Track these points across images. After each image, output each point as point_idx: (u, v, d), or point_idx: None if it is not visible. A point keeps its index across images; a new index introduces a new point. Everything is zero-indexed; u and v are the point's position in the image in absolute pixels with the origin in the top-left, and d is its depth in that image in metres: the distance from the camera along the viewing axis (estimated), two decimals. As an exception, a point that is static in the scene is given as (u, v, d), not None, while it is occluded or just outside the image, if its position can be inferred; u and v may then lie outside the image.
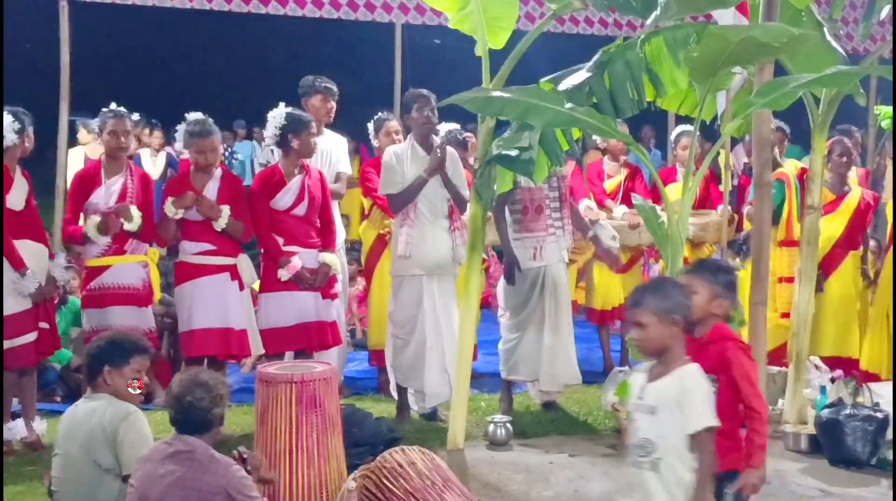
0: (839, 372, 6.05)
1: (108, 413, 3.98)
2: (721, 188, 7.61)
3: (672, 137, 8.30)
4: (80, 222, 6.15)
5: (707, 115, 5.59)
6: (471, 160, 6.55)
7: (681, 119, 7.38)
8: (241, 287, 6.09)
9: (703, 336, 3.74)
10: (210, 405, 3.69)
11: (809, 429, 5.85)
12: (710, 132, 6.64)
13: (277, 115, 6.08)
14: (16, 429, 5.71)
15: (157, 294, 7.22)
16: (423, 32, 9.42)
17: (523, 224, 6.26)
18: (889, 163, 7.52)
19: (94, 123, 6.56)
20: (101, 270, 6.10)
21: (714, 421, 3.33)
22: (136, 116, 7.07)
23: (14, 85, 6.66)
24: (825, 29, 5.89)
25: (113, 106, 6.22)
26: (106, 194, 6.12)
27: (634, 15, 5.60)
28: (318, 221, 6.21)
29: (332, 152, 6.80)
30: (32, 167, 5.97)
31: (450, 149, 6.29)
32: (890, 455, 5.47)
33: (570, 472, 5.44)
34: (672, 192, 6.68)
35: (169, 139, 9.59)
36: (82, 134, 9.30)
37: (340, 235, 6.66)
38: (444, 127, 6.88)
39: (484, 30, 5.50)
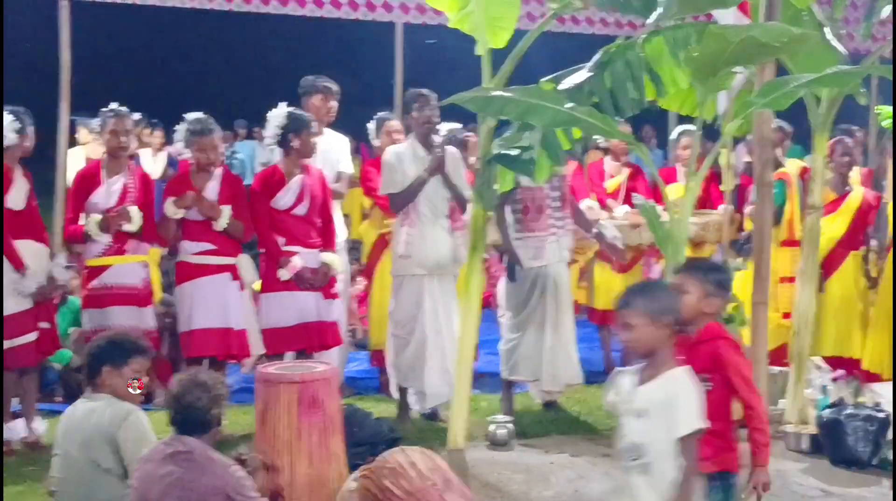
0: (840, 372, 6.05)
1: (108, 413, 3.98)
2: (722, 188, 7.60)
3: (673, 136, 8.29)
4: (81, 222, 6.14)
5: (708, 114, 5.58)
6: (471, 160, 6.55)
7: (682, 119, 7.37)
8: (242, 287, 6.09)
9: (696, 335, 3.73)
10: (209, 405, 3.68)
11: (811, 429, 5.85)
12: (711, 132, 6.62)
13: (278, 114, 6.07)
14: (16, 429, 5.71)
15: (158, 294, 7.22)
16: (423, 32, 9.40)
17: (524, 224, 6.25)
18: (890, 163, 7.51)
19: (95, 122, 6.56)
20: (101, 269, 6.10)
21: (703, 423, 3.31)
22: (136, 116, 7.07)
23: (14, 85, 6.65)
24: (826, 29, 5.88)
25: (113, 106, 6.22)
26: (107, 194, 6.12)
27: (635, 15, 5.60)
28: (319, 220, 6.21)
29: (332, 152, 6.80)
30: (32, 167, 5.96)
31: (451, 149, 6.29)
32: (891, 455, 5.46)
33: (570, 472, 5.43)
34: (673, 191, 6.67)
35: (169, 139, 9.59)
36: (82, 134, 9.28)
37: (341, 235, 6.66)
38: (445, 127, 6.87)
39: (484, 29, 5.48)
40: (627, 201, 7.56)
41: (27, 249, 5.64)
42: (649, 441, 3.32)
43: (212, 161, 6.03)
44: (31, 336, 5.67)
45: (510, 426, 5.95)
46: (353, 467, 4.49)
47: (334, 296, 6.23)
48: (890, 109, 7.30)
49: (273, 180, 6.09)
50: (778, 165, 6.90)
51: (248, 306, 6.20)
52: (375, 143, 7.26)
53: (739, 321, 5.34)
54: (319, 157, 6.53)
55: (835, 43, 5.86)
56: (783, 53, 5.35)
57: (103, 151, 6.34)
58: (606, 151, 8.15)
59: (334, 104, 6.80)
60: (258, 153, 14.75)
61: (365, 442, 5.19)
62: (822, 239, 6.36)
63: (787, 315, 6.69)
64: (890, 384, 5.94)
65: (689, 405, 3.30)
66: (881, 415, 5.59)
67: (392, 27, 9.20)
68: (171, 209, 5.93)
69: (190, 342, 6.00)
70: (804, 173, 6.93)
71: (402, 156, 6.19)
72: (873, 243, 7.30)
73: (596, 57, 5.30)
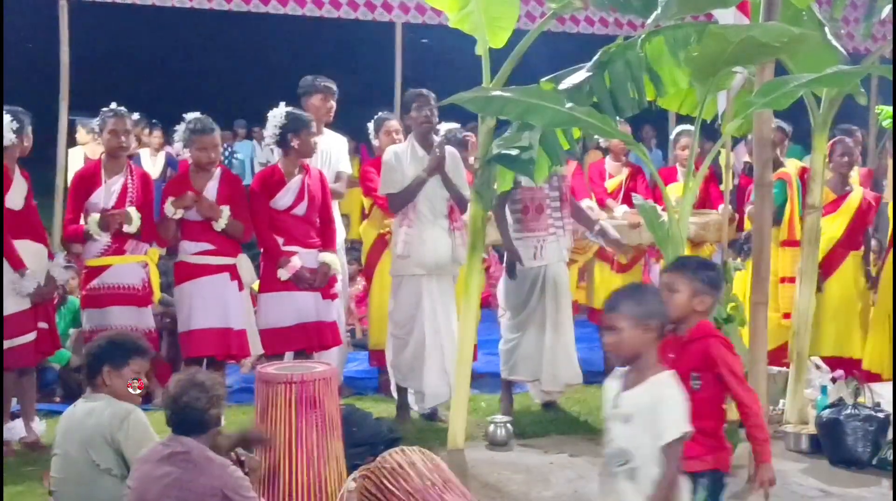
0: (840, 372, 6.05)
1: (107, 413, 3.98)
2: (721, 188, 7.60)
3: (672, 136, 8.29)
4: (81, 222, 6.14)
5: (708, 114, 5.58)
6: (470, 160, 6.55)
7: (681, 119, 7.38)
8: (241, 287, 6.08)
9: (686, 334, 3.71)
10: (206, 405, 3.67)
11: (810, 429, 5.85)
12: (710, 132, 6.62)
13: (277, 114, 6.07)
14: (15, 429, 5.71)
15: (157, 294, 7.22)
16: (423, 32, 9.41)
17: (524, 224, 6.25)
18: (890, 163, 7.52)
19: (94, 122, 6.56)
20: (100, 269, 6.10)
21: (688, 427, 3.27)
22: (136, 116, 7.07)
23: (14, 85, 6.65)
24: (826, 28, 5.88)
25: (113, 106, 6.22)
26: (106, 194, 6.12)
27: (635, 14, 5.60)
28: (318, 220, 6.20)
29: (332, 152, 6.80)
30: (32, 167, 5.96)
31: (451, 149, 6.29)
32: (890, 456, 5.46)
33: (570, 472, 5.43)
34: (673, 191, 6.67)
35: (168, 139, 9.59)
36: (81, 134, 9.29)
37: (340, 234, 6.66)
38: (445, 127, 6.87)
39: (484, 29, 5.49)
40: (627, 200, 7.56)
41: (26, 249, 5.63)
42: (635, 446, 3.27)
43: (212, 160, 6.03)
44: (30, 336, 5.66)
45: (509, 426, 5.95)
46: (352, 467, 4.49)
47: (333, 296, 6.23)
48: (890, 108, 7.31)
49: (272, 180, 6.09)
50: (778, 165, 6.90)
51: (247, 306, 6.19)
52: (375, 143, 7.26)
53: (739, 321, 5.33)
54: (318, 157, 6.53)
55: (835, 43, 5.86)
56: (783, 53, 5.35)
57: (103, 152, 6.33)
58: (607, 150, 8.14)
59: (333, 104, 6.80)
60: (257, 153, 14.78)
61: (364, 442, 5.19)
62: (821, 239, 6.36)
63: (787, 316, 6.69)
64: (890, 384, 5.94)
65: (674, 411, 3.26)
66: (880, 415, 5.59)
67: (392, 27, 9.20)
68: (171, 209, 5.92)
69: (189, 342, 6.00)
70: (804, 173, 6.93)
71: (401, 156, 6.19)
72: (873, 243, 7.32)
73: (596, 57, 5.30)
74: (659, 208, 5.62)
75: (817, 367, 6.24)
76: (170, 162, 10.27)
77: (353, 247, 8.68)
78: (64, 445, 4.06)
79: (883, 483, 5.30)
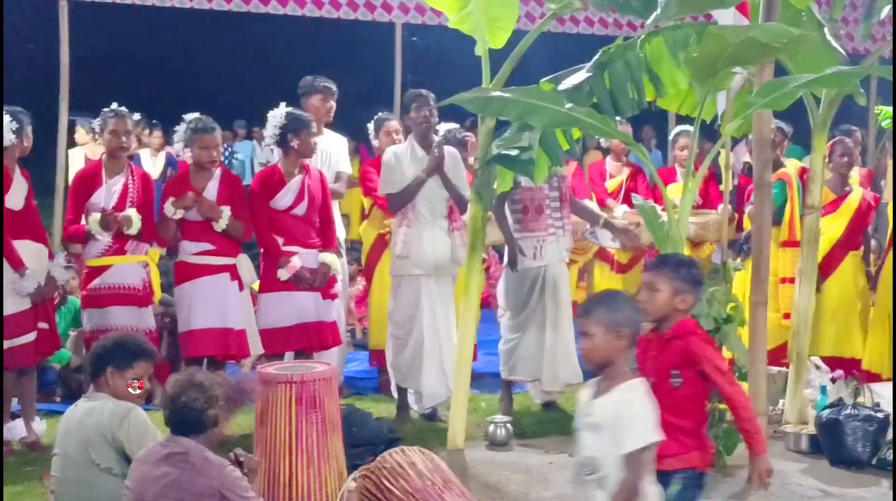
0: (840, 372, 6.05)
1: (107, 413, 3.98)
2: (721, 188, 7.60)
3: (671, 137, 8.30)
4: (82, 223, 6.15)
5: (707, 115, 5.59)
6: (470, 160, 6.56)
7: (681, 119, 7.38)
8: (241, 287, 6.09)
9: (668, 332, 3.70)
10: (205, 406, 3.66)
11: (810, 429, 5.85)
12: (710, 132, 6.63)
13: (277, 114, 6.07)
14: (15, 430, 5.71)
15: (158, 294, 7.22)
16: (421, 32, 9.42)
17: (524, 224, 6.25)
18: (889, 163, 7.52)
19: (94, 123, 6.56)
20: (101, 270, 6.10)
21: (654, 438, 3.25)
22: (136, 116, 7.07)
23: (14, 85, 6.65)
24: (825, 29, 5.88)
25: (114, 106, 6.22)
26: (107, 194, 6.12)
27: (634, 15, 5.60)
28: (318, 221, 6.21)
29: (331, 152, 6.80)
30: (32, 167, 5.96)
31: (451, 149, 6.29)
32: (890, 456, 5.46)
33: (570, 472, 5.42)
34: (672, 192, 6.68)
35: (168, 140, 9.59)
36: (80, 134, 9.30)
37: (340, 235, 6.66)
38: (444, 127, 6.88)
39: (484, 30, 5.49)
40: (627, 201, 7.56)
41: (26, 249, 5.63)
42: (603, 455, 3.26)
43: (213, 159, 6.03)
44: (30, 336, 5.67)
45: (509, 426, 5.95)
46: (352, 467, 4.49)
47: (333, 296, 6.23)
48: (889, 109, 7.31)
49: (272, 181, 6.09)
50: (778, 165, 6.90)
51: (247, 306, 6.20)
52: (375, 143, 7.26)
53: (739, 321, 5.34)
54: (318, 157, 6.53)
55: (834, 43, 5.86)
56: (782, 54, 5.36)
57: (103, 152, 6.34)
58: (607, 151, 8.15)
59: (333, 104, 6.80)
60: (257, 153, 14.77)
61: (364, 442, 5.19)
62: (821, 239, 6.36)
63: (787, 316, 6.69)
64: (890, 384, 5.94)
65: (640, 419, 3.24)
66: (880, 415, 5.59)
67: (392, 27, 9.21)
68: (171, 210, 5.92)
69: (189, 343, 6.00)
70: (804, 174, 6.93)
71: (400, 156, 6.20)
72: (873, 243, 7.32)
73: (595, 57, 5.31)
74: (659, 208, 5.63)
75: (817, 367, 6.24)
76: (170, 162, 10.27)
77: (353, 247, 8.68)
78: (64, 445, 4.06)
79: (882, 483, 5.30)
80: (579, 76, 5.27)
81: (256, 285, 6.31)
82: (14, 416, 5.84)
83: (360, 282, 8.33)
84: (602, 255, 7.61)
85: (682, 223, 5.05)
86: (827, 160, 6.54)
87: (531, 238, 6.23)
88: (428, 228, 6.12)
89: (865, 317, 6.97)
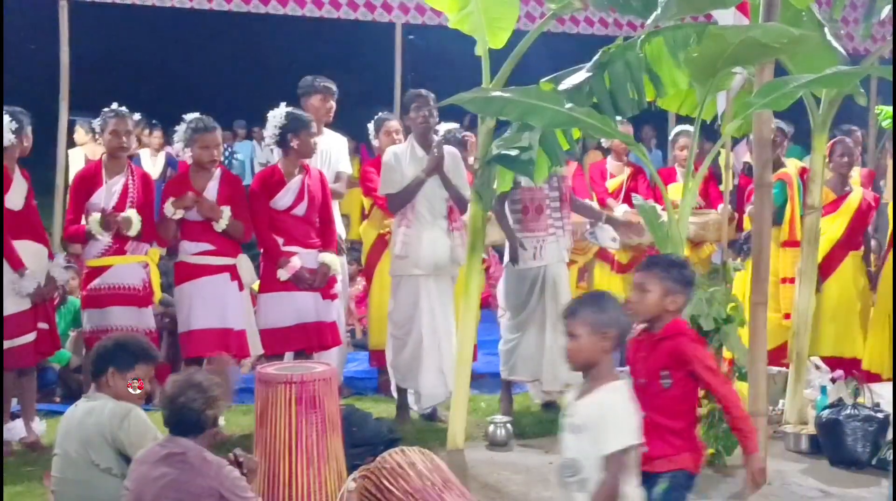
0: (840, 372, 6.05)
1: (107, 413, 3.98)
2: (721, 188, 7.60)
3: (671, 137, 8.30)
4: (82, 223, 6.14)
5: (707, 115, 5.59)
6: (470, 160, 6.56)
7: (681, 119, 7.38)
8: (241, 287, 6.08)
9: (658, 333, 3.70)
10: (203, 406, 3.65)
11: (810, 429, 5.85)
12: (710, 132, 6.63)
13: (277, 114, 6.07)
14: (15, 430, 5.71)
15: (158, 294, 7.22)
16: (421, 32, 9.42)
17: (524, 224, 6.25)
18: (889, 163, 7.52)
19: (94, 123, 6.56)
20: (101, 270, 6.10)
21: (633, 441, 3.23)
22: (136, 116, 7.07)
23: (14, 85, 6.65)
24: (825, 29, 5.88)
25: (114, 106, 6.22)
26: (107, 195, 6.12)
27: (634, 15, 5.60)
28: (318, 221, 6.20)
29: (331, 152, 6.80)
30: (32, 167, 5.96)
31: (452, 149, 6.29)
32: (890, 456, 5.46)
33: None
34: (673, 192, 6.68)
35: (168, 140, 9.60)
36: (79, 134, 9.30)
37: (340, 234, 6.66)
38: (444, 127, 6.88)
39: (484, 30, 5.49)
40: (628, 200, 7.56)
41: (26, 249, 5.63)
42: (584, 456, 3.24)
43: (214, 159, 6.02)
44: (30, 337, 5.67)
45: (509, 426, 5.95)
46: (352, 467, 4.49)
47: (333, 296, 6.23)
48: (889, 109, 7.31)
49: (272, 181, 6.09)
50: (778, 165, 6.90)
51: (247, 306, 6.19)
52: (375, 143, 7.26)
53: (739, 321, 5.34)
54: (318, 157, 6.53)
55: (834, 43, 5.86)
56: (783, 54, 5.35)
57: (103, 152, 6.34)
58: (608, 151, 8.14)
59: (333, 104, 6.80)
60: (257, 153, 14.77)
61: (364, 443, 5.19)
62: (821, 239, 6.36)
63: (788, 316, 6.69)
64: (890, 384, 5.94)
65: (621, 422, 3.22)
66: (880, 415, 5.59)
67: (392, 27, 9.21)
68: (171, 210, 5.92)
69: (189, 343, 6.00)
70: (804, 174, 6.93)
71: (400, 156, 6.20)
72: (873, 243, 7.32)
73: (595, 57, 5.31)
74: (659, 207, 5.63)
75: (817, 367, 6.24)
76: (170, 162, 10.28)
77: (353, 247, 8.68)
78: (64, 445, 4.06)
79: (882, 484, 5.30)
80: (579, 76, 5.27)
81: (256, 286, 6.31)
82: (14, 416, 5.84)
83: (360, 282, 8.33)
84: (602, 255, 7.60)
85: (682, 223, 5.05)
86: (827, 160, 6.54)
87: (531, 238, 6.23)
88: (427, 228, 6.12)
89: (865, 317, 6.97)
